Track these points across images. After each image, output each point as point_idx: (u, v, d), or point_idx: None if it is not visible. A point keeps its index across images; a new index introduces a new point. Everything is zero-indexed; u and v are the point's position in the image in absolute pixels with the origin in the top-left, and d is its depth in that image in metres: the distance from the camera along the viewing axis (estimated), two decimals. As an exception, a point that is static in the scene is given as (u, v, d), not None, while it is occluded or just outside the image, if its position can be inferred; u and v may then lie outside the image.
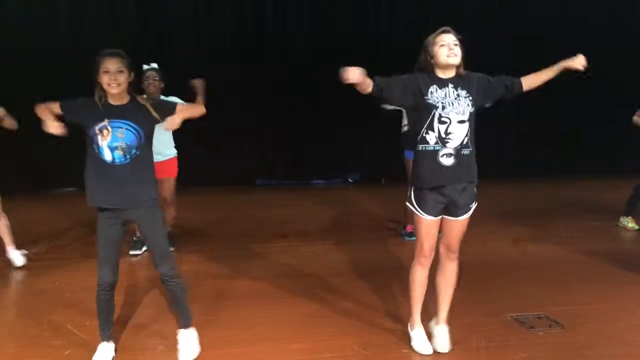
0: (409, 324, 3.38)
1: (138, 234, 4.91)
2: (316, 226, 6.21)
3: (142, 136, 2.94)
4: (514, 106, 8.54)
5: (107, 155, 2.90)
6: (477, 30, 8.56)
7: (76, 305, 3.87)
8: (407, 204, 3.22)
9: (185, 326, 3.22)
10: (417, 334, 3.31)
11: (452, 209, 3.14)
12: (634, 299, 4.06)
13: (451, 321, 3.36)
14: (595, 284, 4.33)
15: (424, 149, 3.06)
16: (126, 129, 2.90)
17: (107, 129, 2.88)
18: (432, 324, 3.39)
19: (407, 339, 3.35)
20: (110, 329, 3.18)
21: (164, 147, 4.81)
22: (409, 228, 5.53)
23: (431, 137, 3.03)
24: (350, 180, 9.25)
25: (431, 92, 3.03)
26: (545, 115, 8.95)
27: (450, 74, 3.05)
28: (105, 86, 2.87)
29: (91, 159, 2.94)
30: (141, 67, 4.77)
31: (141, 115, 2.94)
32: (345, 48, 8.43)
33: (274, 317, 3.73)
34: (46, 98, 3.01)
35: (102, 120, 2.87)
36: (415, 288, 3.27)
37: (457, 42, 3.01)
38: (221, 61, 8.22)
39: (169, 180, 5.01)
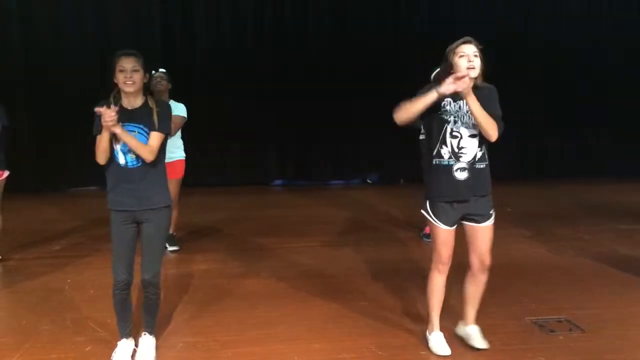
0: (427, 329, 3.36)
1: (171, 230, 4.98)
2: (334, 227, 6.21)
3: None
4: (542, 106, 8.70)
5: (121, 159, 2.96)
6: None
7: (96, 302, 3.93)
8: (423, 212, 3.22)
9: (150, 332, 3.26)
10: (435, 336, 3.29)
11: (470, 217, 3.14)
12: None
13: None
14: (617, 287, 4.26)
15: (439, 163, 3.07)
16: (138, 132, 2.95)
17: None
18: (461, 326, 3.40)
19: (425, 342, 3.34)
20: (129, 326, 3.19)
21: (170, 149, 4.84)
22: (428, 230, 5.45)
23: (445, 152, 3.05)
24: (369, 181, 9.24)
25: (444, 106, 3.03)
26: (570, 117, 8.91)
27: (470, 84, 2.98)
28: (120, 85, 2.92)
29: (109, 162, 3.00)
30: (155, 70, 4.95)
31: (153, 120, 2.98)
32: (363, 47, 8.48)
33: (292, 317, 3.74)
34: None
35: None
36: (433, 295, 3.27)
37: (478, 53, 2.97)
38: (239, 61, 8.28)
39: (171, 182, 4.98)
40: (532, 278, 4.50)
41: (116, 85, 2.95)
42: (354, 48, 8.49)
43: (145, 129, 2.96)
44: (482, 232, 3.17)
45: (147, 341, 3.24)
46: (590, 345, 3.33)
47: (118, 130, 2.84)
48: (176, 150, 5.10)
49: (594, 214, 6.67)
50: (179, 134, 5.15)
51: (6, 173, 4.83)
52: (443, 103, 3.02)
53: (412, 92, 3.06)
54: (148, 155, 2.94)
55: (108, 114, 2.77)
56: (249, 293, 4.21)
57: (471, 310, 3.34)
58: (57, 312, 3.82)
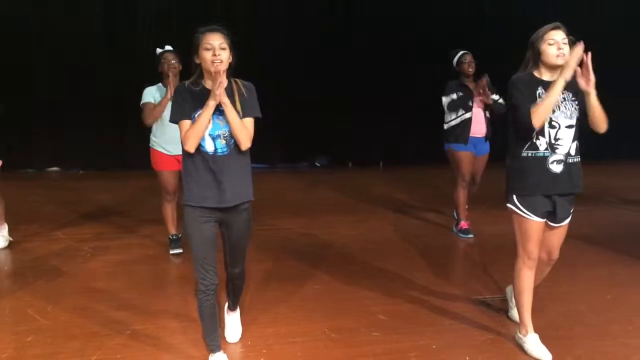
0: (518, 331, 3.17)
1: (174, 231, 4.63)
2: (288, 209, 6.20)
3: None
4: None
5: (209, 146, 2.62)
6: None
7: (37, 290, 3.77)
8: (510, 206, 3.04)
9: (234, 309, 3.18)
10: (532, 339, 3.06)
11: (555, 215, 3.01)
12: (596, 282, 4.16)
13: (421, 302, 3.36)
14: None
15: (533, 155, 2.92)
16: (224, 117, 2.62)
17: None
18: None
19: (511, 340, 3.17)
20: (219, 337, 2.88)
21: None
22: (463, 225, 5.32)
23: (541, 143, 2.91)
24: (317, 164, 9.25)
25: (539, 95, 2.89)
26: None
27: (556, 74, 2.87)
28: (207, 64, 2.58)
29: (188, 154, 2.64)
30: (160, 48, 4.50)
31: (241, 101, 2.67)
32: (305, 27, 8.43)
33: (245, 301, 3.68)
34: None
35: (201, 107, 2.59)
36: (524, 294, 3.08)
37: (567, 41, 2.85)
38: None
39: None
40: (472, 259, 4.63)
41: (197, 64, 2.63)
42: (296, 29, 8.45)
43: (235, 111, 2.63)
44: (559, 231, 3.09)
45: (236, 315, 3.20)
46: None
47: (225, 100, 2.55)
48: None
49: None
50: None
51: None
52: (538, 92, 2.89)
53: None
54: (247, 140, 2.64)
55: (219, 80, 2.48)
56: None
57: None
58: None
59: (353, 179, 8.32)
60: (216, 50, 2.57)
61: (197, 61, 2.65)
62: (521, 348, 3.09)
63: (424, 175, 8.32)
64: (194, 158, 2.64)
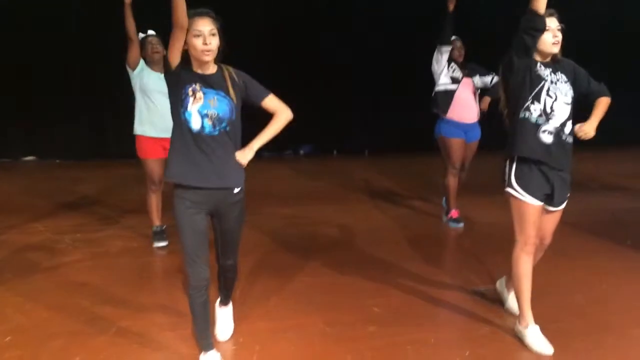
0: (517, 322, 3.08)
1: (158, 222, 4.48)
2: (275, 199, 6.06)
3: (234, 111, 2.57)
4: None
5: (196, 123, 2.51)
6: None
7: (16, 286, 3.59)
8: (509, 190, 2.98)
9: (226, 303, 3.05)
10: (532, 331, 2.97)
11: (553, 198, 2.97)
12: (593, 272, 4.09)
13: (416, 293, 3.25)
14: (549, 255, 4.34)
15: (526, 117, 2.90)
16: (218, 99, 2.54)
17: (200, 92, 2.50)
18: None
19: (514, 335, 3.06)
20: (211, 335, 2.78)
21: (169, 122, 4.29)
22: (454, 213, 5.25)
23: (535, 108, 2.88)
24: (301, 152, 9.12)
25: (539, 67, 2.91)
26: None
27: (547, 59, 2.95)
28: (197, 53, 2.46)
29: (176, 128, 2.54)
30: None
31: (234, 88, 2.59)
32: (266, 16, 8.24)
33: (235, 295, 3.56)
34: None
35: (195, 83, 2.51)
36: (523, 281, 2.99)
37: (560, 27, 2.88)
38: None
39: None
40: (467, 247, 4.56)
41: (184, 50, 2.48)
42: (277, 12, 8.27)
43: (226, 95, 2.55)
44: (555, 215, 3.06)
45: (229, 310, 3.07)
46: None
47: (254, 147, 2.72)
48: None
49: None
50: None
51: None
52: (538, 64, 2.90)
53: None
54: (289, 114, 2.80)
55: None
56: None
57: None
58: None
59: (338, 167, 8.23)
60: (206, 38, 2.45)
61: (184, 47, 2.49)
62: (521, 341, 3.01)
63: (410, 163, 8.26)
64: (183, 134, 2.53)
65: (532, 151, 2.89)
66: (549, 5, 2.84)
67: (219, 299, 3.07)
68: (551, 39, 2.85)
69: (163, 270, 4.15)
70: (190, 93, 2.50)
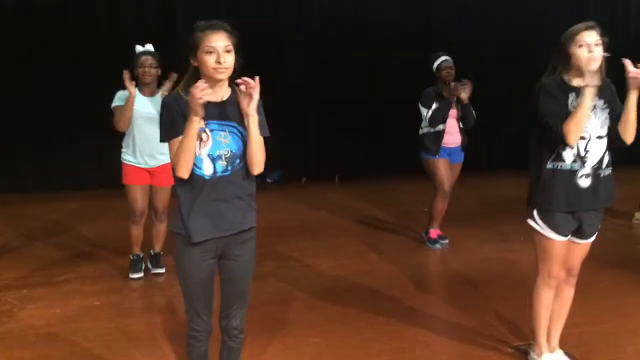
0: (531, 351, 3.01)
1: (137, 251, 4.24)
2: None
3: (246, 141, 2.22)
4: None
5: (207, 168, 2.16)
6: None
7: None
8: (530, 222, 2.81)
9: None
10: (546, 359, 2.95)
11: (580, 231, 2.78)
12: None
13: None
14: (596, 298, 3.81)
15: (559, 167, 2.68)
16: (230, 132, 2.19)
17: (206, 133, 2.13)
18: (545, 353, 2.98)
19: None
20: None
21: (160, 148, 3.85)
22: (432, 233, 5.02)
23: (568, 155, 2.65)
24: (268, 180, 8.53)
25: (571, 102, 2.63)
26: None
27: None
28: (208, 70, 2.12)
29: (182, 179, 2.17)
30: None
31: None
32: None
33: None
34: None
35: (200, 120, 2.13)
36: (542, 312, 2.91)
37: (599, 42, 2.59)
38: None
39: (164, 190, 4.13)
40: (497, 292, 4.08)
41: (194, 67, 2.17)
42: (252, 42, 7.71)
43: (239, 129, 2.19)
44: (583, 247, 2.87)
45: None
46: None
47: (252, 111, 2.15)
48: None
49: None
50: None
51: None
52: (569, 99, 2.62)
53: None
54: (262, 163, 2.23)
55: (200, 88, 2.01)
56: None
57: (555, 334, 2.99)
58: None
59: (310, 195, 7.69)
60: (220, 56, 2.12)
61: (194, 64, 2.17)
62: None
63: (383, 188, 7.84)
64: (193, 184, 2.18)
65: (564, 204, 2.69)
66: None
67: None
68: (586, 54, 2.57)
69: (144, 331, 3.40)
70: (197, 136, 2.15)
